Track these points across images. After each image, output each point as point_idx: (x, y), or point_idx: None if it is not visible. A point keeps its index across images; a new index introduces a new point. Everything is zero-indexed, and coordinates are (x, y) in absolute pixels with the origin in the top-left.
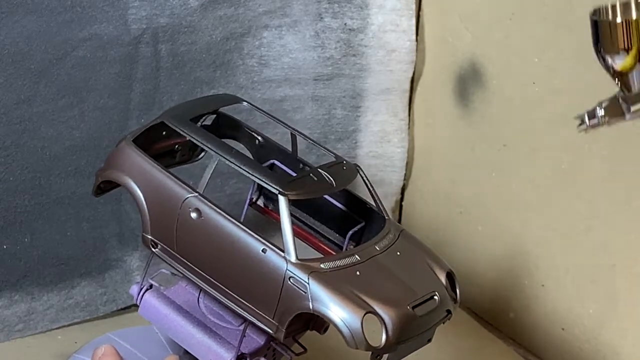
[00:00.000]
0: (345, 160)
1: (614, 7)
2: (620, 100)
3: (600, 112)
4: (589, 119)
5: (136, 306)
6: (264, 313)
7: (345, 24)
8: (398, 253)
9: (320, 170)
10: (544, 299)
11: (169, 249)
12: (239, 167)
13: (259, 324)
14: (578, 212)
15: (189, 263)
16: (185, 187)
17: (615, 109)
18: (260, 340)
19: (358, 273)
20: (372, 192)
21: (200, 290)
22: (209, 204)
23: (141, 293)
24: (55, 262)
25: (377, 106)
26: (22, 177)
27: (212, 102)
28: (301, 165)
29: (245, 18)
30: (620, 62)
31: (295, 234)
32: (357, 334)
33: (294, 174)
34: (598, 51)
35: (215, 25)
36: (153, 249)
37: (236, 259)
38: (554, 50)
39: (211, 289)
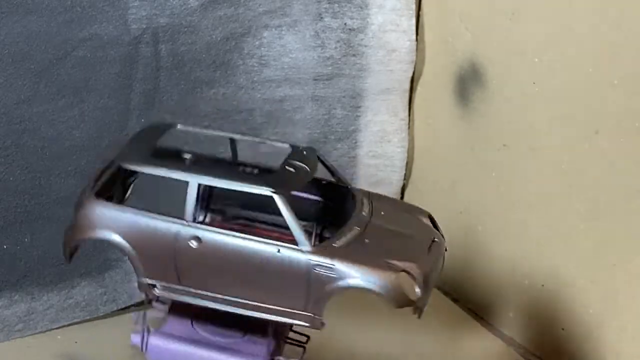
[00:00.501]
0: (300, 145)
1: None
2: None
3: None
4: None
5: (136, 306)
6: (295, 309)
7: (345, 23)
8: (382, 213)
9: (290, 162)
10: (544, 299)
11: (171, 286)
12: (221, 183)
13: (293, 321)
14: (578, 212)
15: (198, 291)
16: (173, 219)
17: None
18: (265, 344)
19: (367, 241)
20: (329, 167)
21: (193, 316)
22: (205, 227)
23: (145, 340)
24: (55, 262)
25: (377, 106)
26: (22, 177)
27: (151, 134)
28: (243, 167)
29: (245, 18)
30: None
31: (264, 235)
32: (399, 294)
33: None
34: None
35: (215, 25)
36: (154, 291)
37: (252, 268)
38: (554, 50)
39: (230, 308)
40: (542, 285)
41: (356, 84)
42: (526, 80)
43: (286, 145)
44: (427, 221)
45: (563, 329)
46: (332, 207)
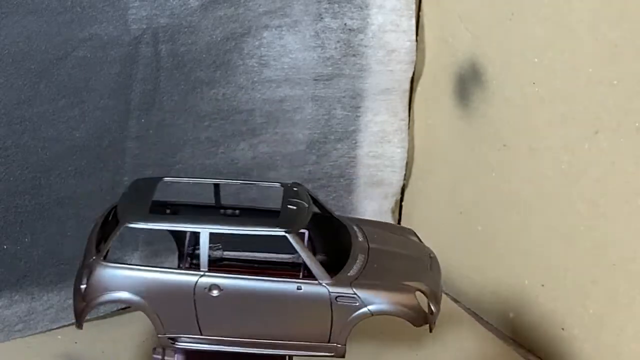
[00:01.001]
0: (289, 183)
1: None
2: None
3: None
4: None
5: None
6: (319, 342)
7: (345, 24)
8: (375, 236)
9: (289, 201)
10: (544, 299)
11: (192, 336)
12: (232, 229)
13: (317, 353)
14: (578, 212)
15: (221, 338)
16: (188, 272)
17: None
18: None
19: (375, 266)
20: (315, 198)
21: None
22: (223, 275)
23: None
24: (55, 262)
25: (377, 106)
26: (22, 177)
27: (144, 190)
28: (224, 210)
29: (245, 18)
30: None
31: (252, 274)
32: (418, 313)
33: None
34: None
35: (215, 25)
36: (174, 345)
37: (274, 308)
38: (554, 50)
39: (254, 349)
40: (542, 285)
41: (356, 84)
42: (526, 80)
43: (276, 185)
44: (415, 239)
45: (563, 329)
46: (326, 238)
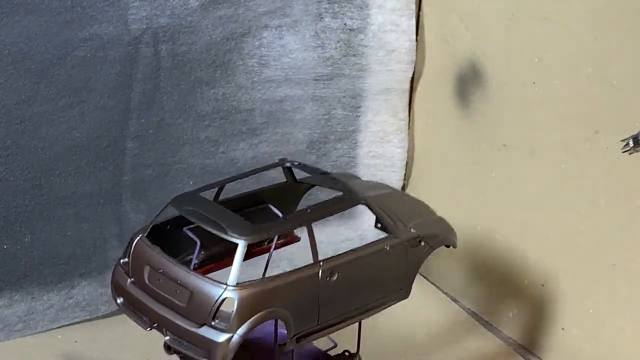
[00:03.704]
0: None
1: None
2: None
3: None
4: (634, 145)
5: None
6: (396, 291)
7: (345, 24)
8: (356, 187)
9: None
10: (544, 299)
11: (311, 328)
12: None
13: (394, 302)
14: (578, 212)
15: (329, 320)
16: (305, 267)
17: None
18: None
19: (401, 210)
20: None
21: None
22: (337, 257)
23: None
24: (55, 262)
25: (377, 106)
26: (22, 177)
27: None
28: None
29: (245, 18)
30: None
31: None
32: (454, 233)
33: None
34: None
35: (215, 25)
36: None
37: (372, 274)
38: (554, 50)
39: (350, 322)
40: (542, 285)
41: (356, 84)
42: (526, 80)
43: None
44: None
45: (563, 329)
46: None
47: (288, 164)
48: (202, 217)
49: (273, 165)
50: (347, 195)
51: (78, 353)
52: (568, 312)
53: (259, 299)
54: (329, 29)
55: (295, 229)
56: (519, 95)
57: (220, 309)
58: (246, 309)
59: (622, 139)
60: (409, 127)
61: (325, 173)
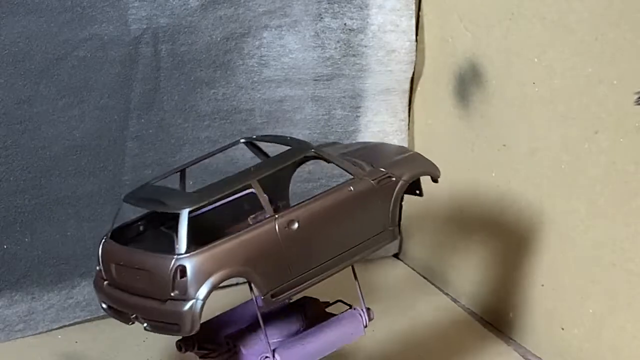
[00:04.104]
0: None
1: None
2: None
3: None
4: None
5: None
6: (378, 233)
7: (345, 24)
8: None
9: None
10: (544, 299)
11: (285, 283)
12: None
13: (381, 244)
14: (578, 212)
15: (305, 273)
16: (263, 219)
17: None
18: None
19: (371, 154)
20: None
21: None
22: (292, 209)
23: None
24: (55, 262)
25: (377, 106)
26: (22, 177)
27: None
28: None
29: (245, 18)
30: None
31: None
32: (434, 166)
33: None
34: None
35: (215, 25)
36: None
37: (339, 219)
38: (554, 50)
39: (331, 271)
40: (542, 285)
41: (356, 84)
42: (526, 80)
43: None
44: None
45: (563, 329)
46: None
47: (243, 140)
48: (143, 200)
49: (233, 144)
50: (294, 147)
51: (78, 353)
52: (568, 312)
53: (212, 260)
54: (329, 29)
55: (238, 188)
56: (519, 95)
57: (178, 279)
58: (201, 273)
59: (636, 91)
60: (409, 127)
61: (285, 137)
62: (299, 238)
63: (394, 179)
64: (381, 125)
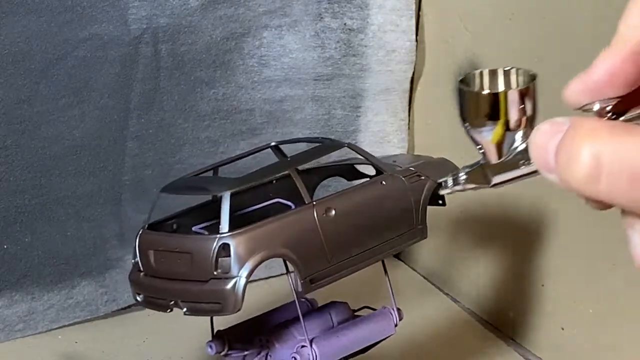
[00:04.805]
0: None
1: (481, 74)
2: (484, 169)
3: (463, 178)
4: (453, 184)
5: (137, 305)
6: (409, 230)
7: (345, 24)
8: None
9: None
10: (544, 299)
11: (323, 269)
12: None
13: (410, 241)
14: (578, 212)
15: (341, 261)
16: (301, 206)
17: (478, 177)
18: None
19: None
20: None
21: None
22: (328, 197)
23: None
24: (55, 262)
25: (377, 106)
26: (22, 177)
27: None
28: None
29: (245, 18)
30: (488, 134)
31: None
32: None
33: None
34: (464, 120)
35: (215, 25)
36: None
37: (375, 211)
38: (554, 50)
39: (366, 262)
40: (542, 285)
41: (356, 84)
42: None
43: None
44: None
45: (563, 329)
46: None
47: (274, 143)
48: (186, 188)
49: (263, 147)
50: (329, 141)
51: (78, 353)
52: (568, 312)
53: (254, 240)
54: (329, 29)
55: (277, 176)
56: None
57: (221, 259)
58: (244, 251)
59: (440, 179)
60: (409, 127)
61: (317, 137)
62: (336, 226)
63: (423, 177)
64: (381, 125)
